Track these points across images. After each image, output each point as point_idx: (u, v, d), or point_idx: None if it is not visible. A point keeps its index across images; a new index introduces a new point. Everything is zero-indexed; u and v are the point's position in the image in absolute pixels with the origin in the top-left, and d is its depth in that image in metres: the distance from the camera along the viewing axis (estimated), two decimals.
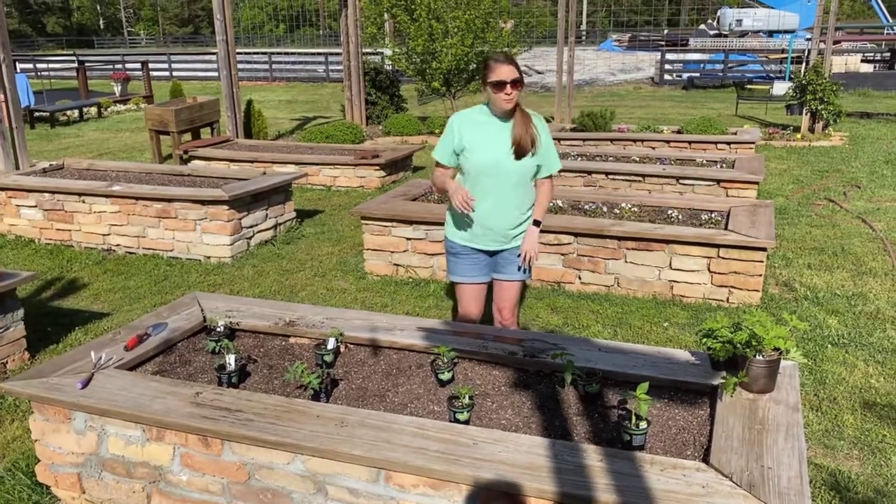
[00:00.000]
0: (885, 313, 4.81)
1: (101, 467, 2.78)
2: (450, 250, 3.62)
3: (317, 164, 9.10)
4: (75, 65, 20.79)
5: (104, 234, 6.50)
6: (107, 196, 6.39)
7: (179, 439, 2.60)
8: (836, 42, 14.63)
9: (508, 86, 3.21)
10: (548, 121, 14.59)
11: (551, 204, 5.79)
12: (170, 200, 6.19)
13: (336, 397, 2.81)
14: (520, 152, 3.32)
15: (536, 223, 3.52)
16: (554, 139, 10.33)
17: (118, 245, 6.48)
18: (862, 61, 23.10)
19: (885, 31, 27.66)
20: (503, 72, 3.20)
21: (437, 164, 3.50)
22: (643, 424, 2.38)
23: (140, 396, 2.69)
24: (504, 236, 3.49)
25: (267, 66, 28.56)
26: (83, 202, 6.48)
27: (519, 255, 3.52)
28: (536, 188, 3.51)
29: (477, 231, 3.47)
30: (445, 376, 2.86)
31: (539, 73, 26.56)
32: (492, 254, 3.56)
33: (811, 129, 11.86)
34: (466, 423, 2.54)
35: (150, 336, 3.23)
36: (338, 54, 19.97)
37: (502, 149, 3.33)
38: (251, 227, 6.41)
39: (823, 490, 2.99)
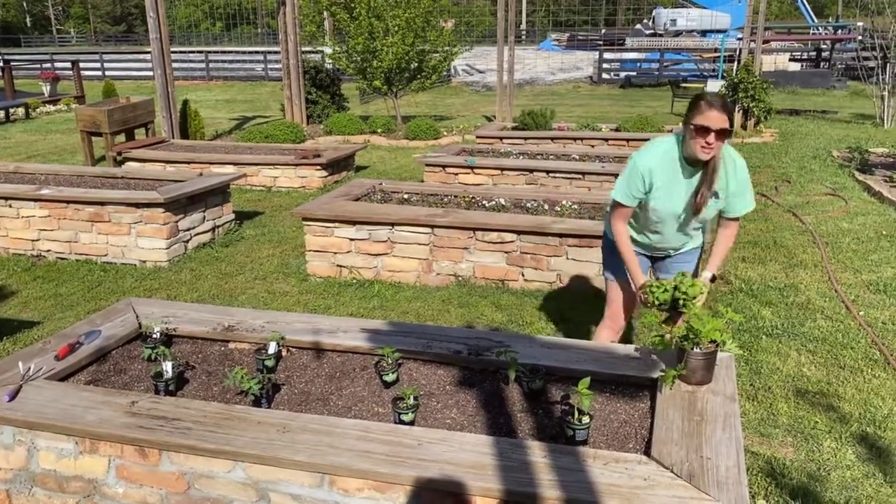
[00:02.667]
0: (815, 303, 4.98)
1: (32, 482, 2.67)
2: (610, 248, 3.38)
3: (256, 164, 8.95)
4: (0, 64, 19.97)
5: (33, 240, 6.26)
6: (35, 200, 6.15)
7: (114, 451, 2.52)
8: (765, 42, 15.11)
9: (713, 134, 2.81)
10: (489, 120, 14.69)
11: (493, 202, 5.82)
12: (103, 204, 5.99)
13: (278, 403, 2.76)
14: (696, 211, 3.05)
15: (713, 279, 3.19)
16: (495, 138, 10.51)
17: (48, 251, 6.24)
18: (790, 60, 23.94)
19: (811, 31, 28.72)
20: (712, 118, 2.80)
21: (617, 204, 3.18)
22: (586, 419, 2.40)
23: (72, 408, 2.59)
24: (673, 249, 3.35)
25: (204, 65, 27.94)
26: (10, 206, 6.23)
27: (688, 252, 3.34)
28: (720, 228, 3.19)
29: (644, 242, 3.32)
30: (390, 377, 2.84)
31: (480, 72, 26.71)
32: (654, 257, 3.42)
33: (743, 126, 12.22)
34: (412, 423, 2.53)
35: (82, 345, 3.11)
36: (277, 53, 19.69)
37: (684, 200, 3.06)
38: (188, 229, 6.26)
39: (760, 477, 3.08)
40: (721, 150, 2.95)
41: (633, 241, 3.33)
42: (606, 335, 3.51)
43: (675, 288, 2.89)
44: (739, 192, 3.05)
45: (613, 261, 3.39)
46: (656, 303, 2.97)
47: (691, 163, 2.99)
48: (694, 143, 2.87)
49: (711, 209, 3.08)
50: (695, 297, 2.86)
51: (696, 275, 3.33)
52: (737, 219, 3.16)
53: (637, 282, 3.19)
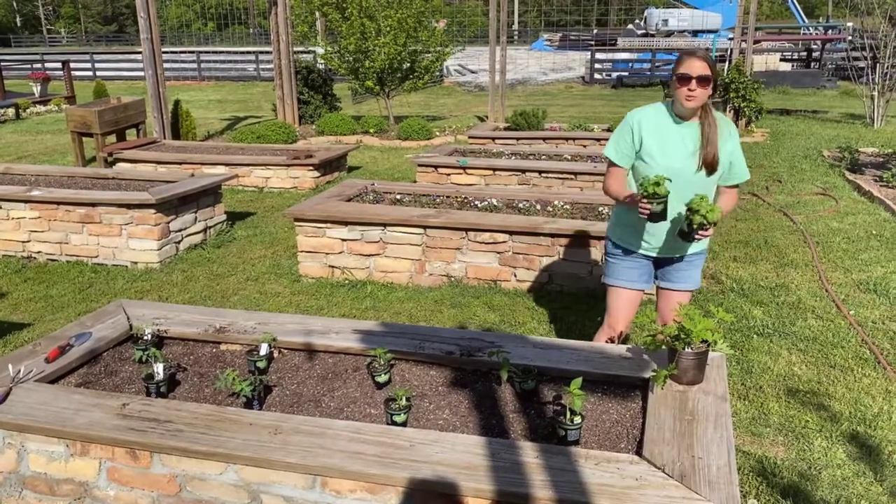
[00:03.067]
0: (806, 303, 5.00)
1: (22, 485, 2.65)
2: (610, 251, 3.36)
3: (248, 164, 8.93)
4: None
5: (24, 241, 6.22)
6: (26, 201, 6.12)
7: (105, 453, 2.51)
8: (756, 42, 15.18)
9: (694, 81, 2.91)
10: (482, 120, 14.70)
11: (485, 203, 5.83)
12: (94, 205, 5.96)
13: (270, 404, 2.76)
14: (710, 169, 3.03)
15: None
16: (487, 138, 10.52)
17: (39, 252, 6.21)
18: (781, 60, 24.04)
19: (802, 32, 28.85)
20: (693, 66, 2.92)
21: (611, 164, 3.19)
22: (577, 419, 2.41)
23: (63, 410, 2.58)
24: (678, 247, 3.21)
25: (195, 66, 27.86)
26: (0, 208, 6.19)
27: (691, 260, 3.27)
28: (719, 194, 3.19)
29: (647, 239, 3.22)
30: (382, 378, 2.84)
31: (472, 72, 26.72)
32: (658, 262, 3.33)
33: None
34: (404, 424, 2.53)
35: (72, 347, 3.10)
36: (269, 53, 19.65)
37: (683, 156, 3.04)
38: (180, 230, 6.24)
39: (751, 476, 3.09)
40: (714, 112, 3.06)
41: (629, 244, 3.27)
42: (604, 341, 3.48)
43: (691, 210, 2.87)
44: (736, 155, 3.10)
45: (613, 265, 3.35)
46: (654, 195, 2.87)
47: (683, 119, 3.07)
48: (679, 92, 2.98)
49: (714, 176, 3.06)
50: (715, 223, 2.86)
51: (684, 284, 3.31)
52: (736, 186, 3.18)
53: (633, 198, 3.05)
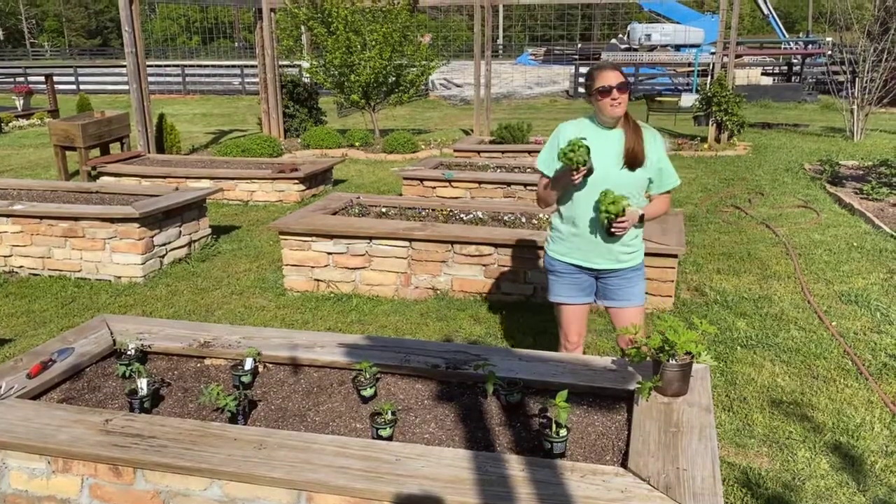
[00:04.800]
0: (788, 314, 5.05)
1: (3, 503, 2.62)
2: (549, 268, 3.43)
3: (233, 178, 8.91)
4: None
5: (5, 256, 6.17)
6: (7, 215, 6.07)
7: (88, 470, 2.48)
8: (738, 56, 15.38)
9: (615, 90, 3.04)
10: (467, 133, 14.75)
11: (471, 216, 5.84)
12: (77, 219, 5.93)
13: (255, 419, 2.74)
14: (633, 163, 3.13)
15: (641, 217, 3.19)
16: (473, 151, 10.56)
17: (21, 267, 6.16)
18: (762, 74, 24.31)
19: (783, 46, 29.23)
20: (608, 77, 3.05)
21: (542, 176, 3.32)
22: (563, 432, 2.41)
23: (44, 426, 2.55)
24: (608, 252, 3.24)
25: (180, 79, 27.81)
26: None
27: (629, 277, 3.30)
28: (651, 201, 3.29)
29: (579, 246, 3.27)
30: (368, 392, 2.84)
31: (458, 86, 26.84)
32: (597, 275, 3.34)
33: (717, 140, 12.39)
34: (389, 438, 2.52)
35: (54, 362, 3.07)
36: (254, 66, 19.63)
37: (610, 159, 3.14)
38: (164, 244, 6.20)
39: (736, 487, 3.10)
40: (636, 120, 3.21)
41: (566, 256, 3.33)
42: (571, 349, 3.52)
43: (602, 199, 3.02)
44: (664, 162, 3.23)
45: (554, 283, 3.43)
46: (573, 162, 2.98)
47: (610, 127, 3.18)
48: (602, 104, 3.09)
49: (640, 175, 3.16)
50: (616, 215, 2.98)
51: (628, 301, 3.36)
52: (668, 194, 3.30)
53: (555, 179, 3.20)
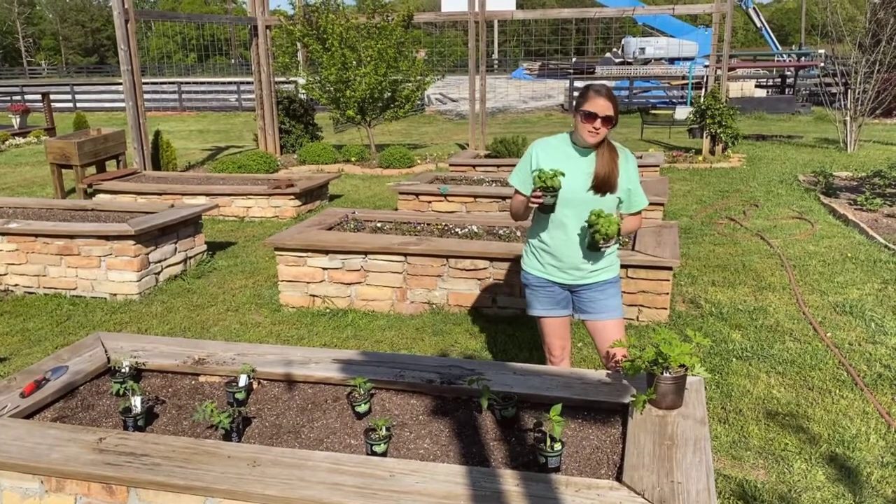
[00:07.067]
0: (783, 326, 5.05)
1: None
2: (525, 282, 3.47)
3: (229, 194, 8.92)
4: None
5: (0, 274, 6.16)
6: (3, 234, 6.07)
7: (81, 489, 2.47)
8: (731, 69, 15.46)
9: (599, 120, 3.02)
10: (462, 147, 14.81)
11: (466, 230, 5.85)
12: (72, 237, 5.93)
13: (249, 436, 2.74)
14: (601, 189, 3.14)
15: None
16: (468, 166, 10.60)
17: (16, 285, 6.15)
18: (756, 86, 24.47)
19: (776, 59, 29.43)
20: (598, 105, 3.02)
21: (516, 192, 3.34)
22: (558, 446, 2.41)
23: (37, 445, 2.55)
24: (578, 269, 3.28)
25: (177, 96, 27.91)
26: None
27: (603, 289, 3.32)
28: (622, 220, 3.26)
29: (550, 261, 3.32)
30: (362, 408, 2.83)
31: (453, 100, 26.97)
32: (570, 288, 3.36)
33: (712, 152, 12.45)
34: (384, 455, 2.52)
35: (48, 381, 3.06)
36: (250, 83, 19.72)
37: (581, 181, 3.15)
38: (159, 261, 6.20)
39: (732, 500, 3.09)
40: (612, 142, 3.19)
41: (539, 271, 3.37)
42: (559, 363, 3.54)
43: (591, 226, 3.07)
44: (634, 184, 3.24)
45: (531, 297, 3.46)
46: (545, 188, 3.05)
47: (583, 148, 3.17)
48: (582, 127, 3.07)
49: (609, 199, 3.17)
50: (609, 236, 3.02)
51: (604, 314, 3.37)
52: (639, 214, 3.34)
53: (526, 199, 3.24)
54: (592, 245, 3.12)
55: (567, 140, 3.24)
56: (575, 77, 27.26)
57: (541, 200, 3.09)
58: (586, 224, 3.12)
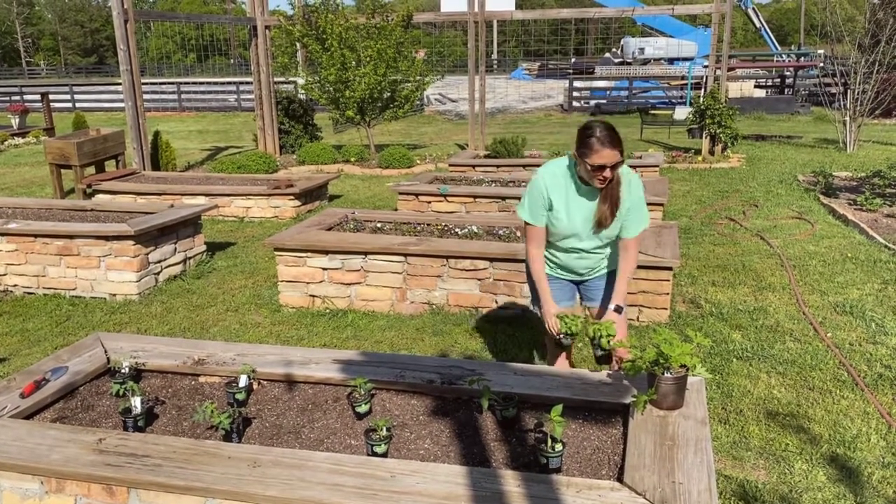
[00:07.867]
0: (783, 326, 5.05)
1: None
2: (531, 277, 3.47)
3: (229, 195, 8.92)
4: None
5: (0, 275, 6.15)
6: (2, 234, 6.07)
7: (81, 489, 2.47)
8: (730, 69, 15.46)
9: (609, 170, 2.98)
10: (462, 148, 14.80)
11: (466, 230, 5.85)
12: (72, 237, 5.92)
13: (249, 437, 2.73)
14: (599, 228, 3.18)
15: (618, 309, 3.25)
16: (468, 166, 10.58)
17: (15, 285, 6.14)
18: (755, 87, 24.46)
19: (775, 59, 29.43)
20: (605, 156, 2.95)
21: (528, 226, 3.29)
22: (558, 447, 2.40)
23: (37, 446, 2.54)
24: (588, 270, 3.40)
25: (176, 96, 27.90)
26: None
27: (605, 278, 3.41)
28: (620, 251, 3.30)
29: (560, 270, 3.43)
30: (363, 409, 2.83)
31: (453, 101, 26.96)
32: (578, 283, 3.49)
33: (711, 152, 12.44)
34: (384, 455, 2.51)
35: (48, 381, 3.06)
36: (249, 83, 19.71)
37: (585, 218, 3.18)
38: (159, 262, 6.20)
39: (733, 501, 3.09)
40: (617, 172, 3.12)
41: (555, 265, 3.42)
42: (561, 364, 3.55)
43: (592, 332, 3.10)
44: (635, 209, 3.19)
45: (538, 291, 3.45)
46: (568, 333, 3.16)
47: (587, 183, 3.13)
48: (591, 176, 3.04)
49: (614, 226, 3.19)
50: (612, 335, 3.04)
51: (606, 301, 3.41)
52: (634, 238, 3.27)
53: (548, 310, 3.27)
54: (598, 358, 3.24)
55: (571, 175, 3.18)
56: (574, 77, 27.26)
57: (559, 336, 3.23)
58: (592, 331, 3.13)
